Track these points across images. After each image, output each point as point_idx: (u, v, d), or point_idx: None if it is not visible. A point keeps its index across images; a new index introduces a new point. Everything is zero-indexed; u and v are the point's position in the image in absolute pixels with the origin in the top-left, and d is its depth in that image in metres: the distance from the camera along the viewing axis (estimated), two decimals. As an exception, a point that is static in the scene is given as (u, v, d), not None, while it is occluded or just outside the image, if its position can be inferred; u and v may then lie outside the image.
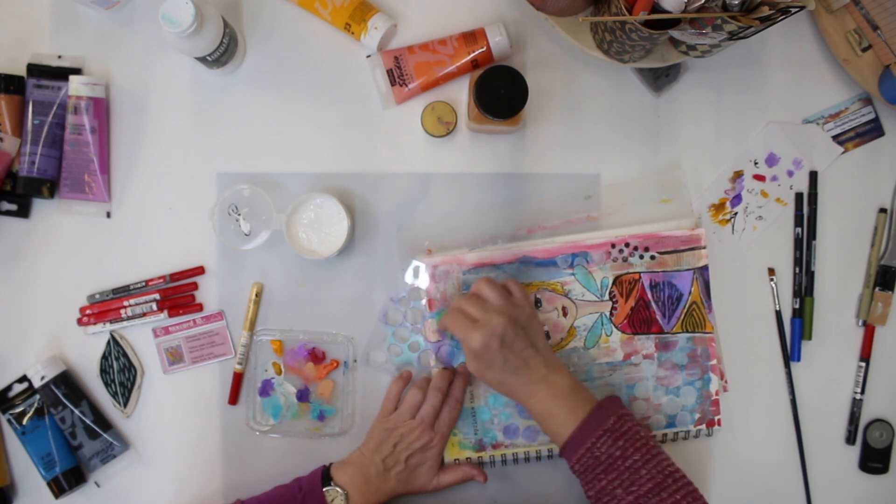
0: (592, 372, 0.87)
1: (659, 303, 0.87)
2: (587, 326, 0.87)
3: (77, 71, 0.87)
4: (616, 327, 0.87)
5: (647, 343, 0.87)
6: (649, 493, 0.70)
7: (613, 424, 0.73)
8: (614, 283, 0.87)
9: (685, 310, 0.87)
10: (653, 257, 0.87)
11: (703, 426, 0.87)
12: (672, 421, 0.87)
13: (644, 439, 0.73)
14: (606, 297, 0.87)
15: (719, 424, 0.87)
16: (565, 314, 0.87)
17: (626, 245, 0.87)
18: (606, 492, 0.71)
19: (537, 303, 0.87)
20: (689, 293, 0.87)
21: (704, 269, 0.87)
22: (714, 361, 0.87)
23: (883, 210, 0.91)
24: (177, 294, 0.88)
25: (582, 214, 0.89)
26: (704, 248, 0.87)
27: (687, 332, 0.87)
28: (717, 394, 0.87)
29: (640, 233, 0.87)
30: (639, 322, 0.87)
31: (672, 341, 0.87)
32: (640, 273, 0.87)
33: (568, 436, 0.74)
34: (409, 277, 0.87)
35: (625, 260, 0.87)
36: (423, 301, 0.86)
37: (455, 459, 0.86)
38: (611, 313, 0.87)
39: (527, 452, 0.86)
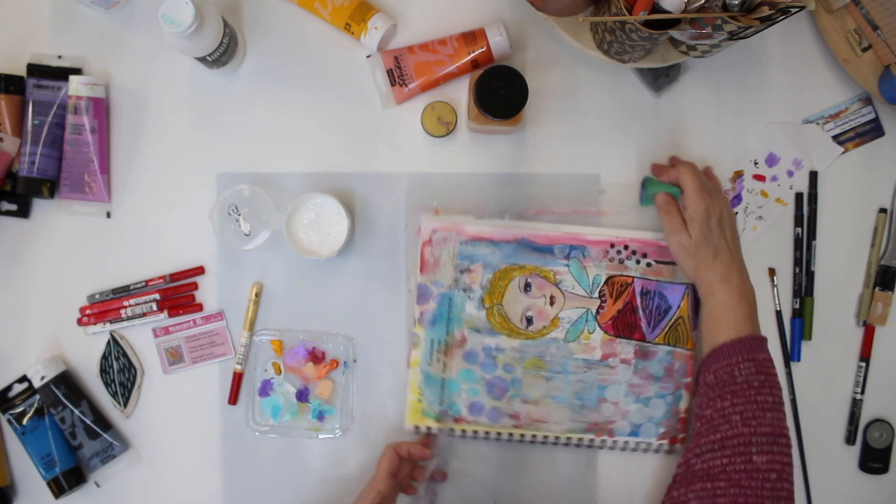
0: (567, 365, 0.86)
1: (646, 310, 0.87)
2: (571, 319, 0.87)
3: (77, 71, 0.88)
4: (599, 326, 0.87)
5: (626, 348, 0.87)
6: (763, 437, 0.71)
7: (763, 360, 0.76)
8: (606, 282, 0.87)
9: (671, 322, 0.87)
10: (649, 265, 0.87)
11: (666, 441, 0.86)
12: (636, 430, 0.86)
13: (779, 388, 0.76)
14: (596, 294, 0.87)
15: (681, 443, 0.86)
16: (552, 303, 0.87)
17: (626, 247, 0.87)
18: (724, 413, 0.73)
19: (527, 286, 0.86)
20: (678, 307, 0.87)
21: None
22: (689, 379, 0.86)
23: (883, 210, 0.91)
24: (177, 294, 0.88)
25: (592, 207, 0.89)
26: None
27: (669, 345, 0.87)
28: (685, 412, 0.86)
29: (641, 238, 0.87)
30: (623, 325, 0.87)
31: (652, 351, 0.87)
32: (633, 277, 0.87)
33: (719, 344, 0.77)
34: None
35: (621, 262, 0.87)
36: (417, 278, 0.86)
37: (416, 426, 0.85)
38: (597, 311, 0.87)
39: (487, 432, 0.86)
